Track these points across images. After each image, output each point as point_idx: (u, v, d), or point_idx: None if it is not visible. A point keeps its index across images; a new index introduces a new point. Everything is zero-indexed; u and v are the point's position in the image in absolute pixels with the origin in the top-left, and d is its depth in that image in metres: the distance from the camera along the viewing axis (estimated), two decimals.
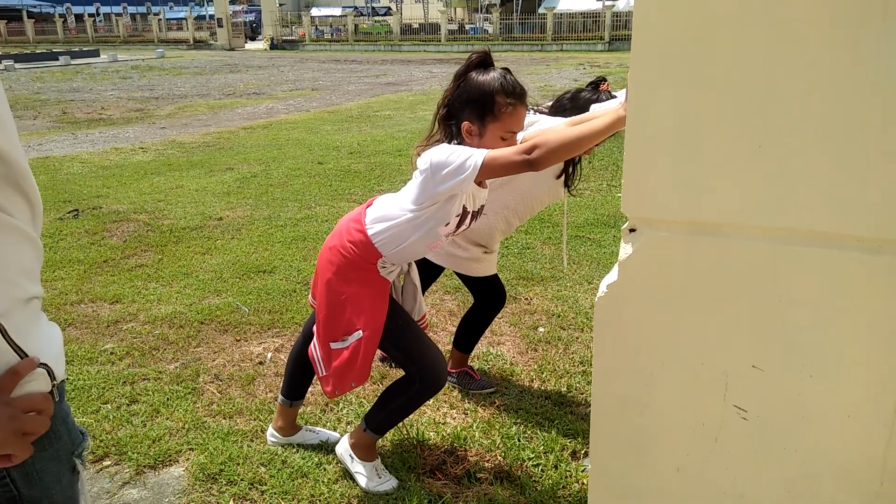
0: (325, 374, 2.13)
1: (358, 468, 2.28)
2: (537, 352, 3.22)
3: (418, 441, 2.50)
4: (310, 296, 2.32)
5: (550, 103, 2.63)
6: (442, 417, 2.68)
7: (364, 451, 2.29)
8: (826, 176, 0.97)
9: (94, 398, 2.82)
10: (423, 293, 2.49)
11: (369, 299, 2.08)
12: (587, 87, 2.58)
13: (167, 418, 2.68)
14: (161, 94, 15.49)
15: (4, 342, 0.91)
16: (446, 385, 2.73)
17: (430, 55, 28.98)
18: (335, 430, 2.58)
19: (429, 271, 2.69)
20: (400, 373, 2.29)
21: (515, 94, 1.97)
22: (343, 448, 2.34)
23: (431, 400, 2.54)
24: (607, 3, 31.54)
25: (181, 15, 45.18)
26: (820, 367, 1.05)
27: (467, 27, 38.44)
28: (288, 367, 2.47)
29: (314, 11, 43.11)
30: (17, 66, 24.32)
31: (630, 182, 1.10)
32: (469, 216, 2.05)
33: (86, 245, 4.80)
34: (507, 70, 2.02)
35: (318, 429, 2.56)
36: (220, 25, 36.41)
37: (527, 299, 3.81)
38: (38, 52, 31.27)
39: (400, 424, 2.45)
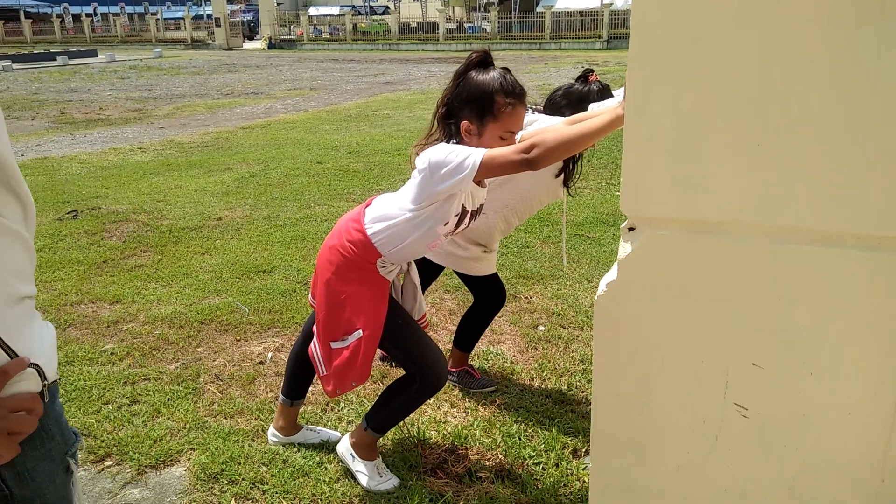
0: (325, 373, 2.13)
1: (359, 467, 2.29)
2: (537, 350, 3.22)
3: (419, 440, 2.50)
4: (309, 295, 2.32)
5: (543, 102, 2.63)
6: (443, 416, 2.68)
7: (365, 450, 2.29)
8: (825, 174, 0.97)
9: (95, 398, 2.82)
10: (423, 292, 2.49)
11: (369, 299, 2.09)
12: (577, 80, 2.59)
13: (168, 418, 2.69)
14: (159, 94, 15.47)
15: None
16: (447, 384, 2.73)
17: (428, 54, 28.96)
18: (336, 429, 2.59)
19: (428, 270, 2.69)
20: (400, 372, 2.30)
21: (515, 94, 1.97)
22: (344, 447, 2.34)
23: (432, 399, 2.54)
24: (605, 2, 31.51)
25: (179, 15, 45.12)
26: (820, 364, 1.05)
27: (466, 26, 38.41)
28: (288, 366, 2.47)
29: (312, 11, 43.07)
30: (15, 66, 24.28)
31: (629, 181, 1.10)
32: (468, 215, 2.05)
33: (85, 246, 4.80)
34: (506, 70, 2.02)
35: (319, 428, 2.56)
36: (218, 25, 36.36)
37: (527, 298, 3.81)
38: (35, 52, 31.22)
39: (401, 423, 2.45)
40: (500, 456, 2.43)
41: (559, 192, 2.69)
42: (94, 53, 30.34)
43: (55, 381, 1.03)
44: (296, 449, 2.46)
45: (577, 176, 2.62)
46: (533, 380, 2.96)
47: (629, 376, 1.19)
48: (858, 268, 0.99)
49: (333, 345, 2.10)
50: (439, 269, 2.77)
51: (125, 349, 3.26)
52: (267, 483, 2.30)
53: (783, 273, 1.03)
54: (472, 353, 2.99)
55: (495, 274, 2.79)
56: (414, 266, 2.29)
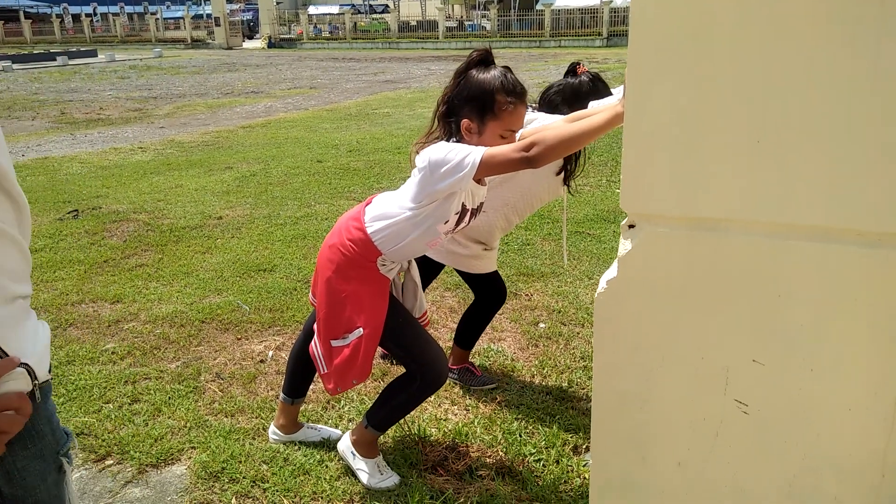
0: (326, 371, 2.14)
1: (360, 465, 2.29)
2: (538, 347, 3.22)
3: (420, 437, 2.50)
4: (310, 294, 2.32)
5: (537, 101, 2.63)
6: (443, 414, 2.68)
7: (366, 447, 2.30)
8: (825, 170, 0.97)
9: (96, 398, 2.82)
10: (424, 290, 2.49)
11: (369, 297, 2.09)
12: (566, 76, 2.59)
13: (169, 417, 2.69)
14: (159, 93, 15.47)
15: None
16: (447, 381, 2.73)
17: (428, 52, 28.94)
18: (337, 427, 2.59)
19: (429, 269, 2.69)
20: (401, 370, 2.30)
21: (516, 94, 1.97)
22: (345, 445, 2.35)
23: (433, 396, 2.54)
24: None
25: (178, 14, 45.07)
26: (820, 361, 1.05)
27: (466, 24, 38.38)
28: (289, 365, 2.47)
29: (312, 9, 43.05)
30: (15, 66, 24.29)
31: (628, 178, 1.10)
32: (468, 214, 2.05)
33: (86, 245, 4.80)
34: (507, 68, 2.03)
35: (319, 426, 2.56)
36: (218, 24, 36.35)
37: (527, 295, 3.81)
38: (35, 52, 31.22)
39: (401, 421, 2.46)
40: (501, 453, 2.43)
41: (560, 190, 2.68)
42: (93, 53, 30.33)
43: (47, 380, 1.04)
44: (296, 447, 2.47)
45: (580, 172, 2.62)
46: (533, 377, 2.96)
47: (629, 373, 1.19)
48: (858, 264, 0.99)
49: (334, 343, 2.11)
50: (440, 267, 2.77)
51: (126, 348, 3.27)
52: (268, 481, 2.30)
53: (783, 270, 1.03)
54: (473, 350, 2.99)
55: (496, 271, 2.79)
56: (414, 264, 2.29)
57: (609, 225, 4.97)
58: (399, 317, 2.15)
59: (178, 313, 3.64)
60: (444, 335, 3.35)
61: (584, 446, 2.46)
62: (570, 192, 2.68)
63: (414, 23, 37.79)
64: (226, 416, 2.69)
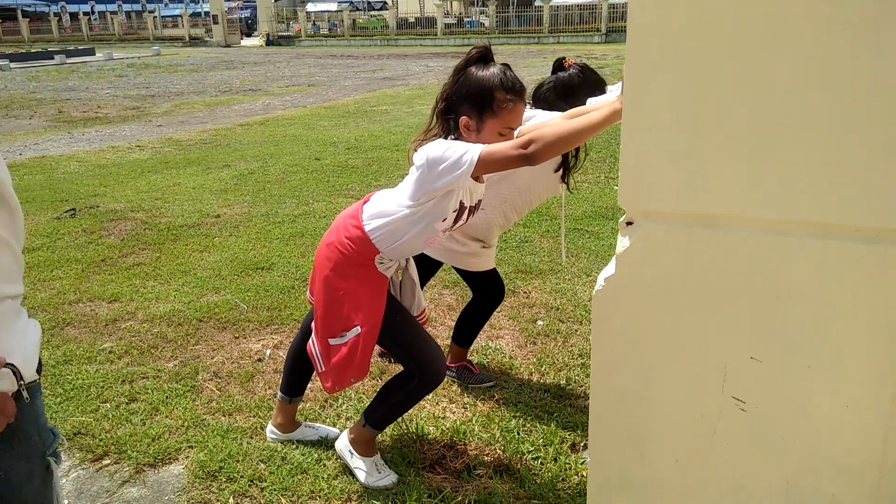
0: (324, 370, 2.13)
1: (357, 464, 2.28)
2: (536, 345, 3.22)
3: (418, 436, 2.50)
4: (308, 292, 2.32)
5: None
6: (441, 412, 2.68)
7: (364, 446, 2.29)
8: (823, 166, 0.97)
9: (93, 397, 2.81)
10: (422, 288, 2.49)
11: (367, 295, 2.08)
12: (554, 72, 2.59)
13: (166, 416, 2.68)
14: (157, 91, 15.45)
15: None
16: (445, 379, 2.73)
17: (426, 49, 28.91)
18: (335, 425, 2.58)
19: (427, 266, 2.69)
20: (399, 368, 2.29)
21: (515, 91, 1.97)
22: (342, 444, 2.34)
23: (431, 394, 2.54)
24: None
25: (176, 12, 44.98)
26: (818, 357, 1.05)
27: (464, 20, 38.35)
28: (287, 363, 2.47)
29: (310, 7, 42.96)
30: (13, 65, 24.26)
31: (627, 175, 1.09)
32: (466, 211, 2.04)
33: (83, 244, 4.79)
34: (506, 66, 2.02)
35: (317, 425, 2.56)
36: (216, 22, 36.33)
37: (525, 293, 3.81)
38: (33, 51, 31.18)
39: (399, 419, 2.45)
40: (499, 451, 2.43)
41: (558, 188, 2.68)
42: (91, 52, 30.28)
43: (34, 381, 1.03)
44: (294, 446, 2.46)
45: (580, 166, 2.61)
46: (531, 374, 2.96)
47: (628, 371, 1.19)
48: (857, 260, 0.98)
49: (332, 341, 2.10)
50: (438, 264, 2.76)
51: (123, 347, 3.26)
52: (265, 480, 2.29)
53: (782, 266, 1.03)
54: (471, 348, 2.98)
55: (494, 269, 2.78)
56: (412, 262, 2.29)
57: (607, 222, 4.97)
58: (397, 315, 2.15)
59: (176, 312, 3.63)
60: (442, 333, 3.34)
61: (582, 444, 2.45)
62: (568, 188, 2.67)
63: (412, 19, 37.78)
64: (223, 415, 2.68)
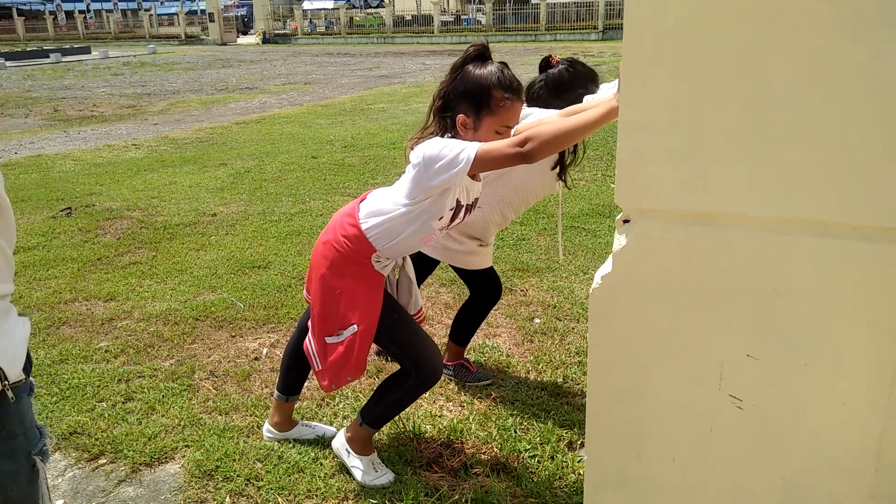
0: (320, 368, 2.13)
1: (354, 462, 2.28)
2: (533, 343, 3.22)
3: (415, 434, 2.49)
4: (304, 291, 2.31)
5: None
6: (438, 410, 2.67)
7: (360, 445, 2.29)
8: (821, 164, 0.96)
9: (89, 396, 2.80)
10: (419, 286, 2.48)
11: (364, 294, 2.08)
12: (542, 71, 2.59)
13: (163, 415, 2.67)
14: (153, 90, 15.41)
15: None
16: (442, 378, 2.73)
17: (423, 47, 28.87)
18: (331, 424, 2.58)
19: (424, 265, 2.68)
20: (396, 366, 2.29)
21: (512, 90, 1.96)
22: (339, 442, 2.34)
23: (428, 393, 2.53)
24: None
25: (172, 10, 44.87)
26: (814, 355, 1.04)
27: (461, 18, 38.31)
28: (283, 362, 2.46)
29: (306, 4, 42.87)
30: (8, 64, 24.17)
31: (623, 172, 1.09)
32: (463, 210, 2.04)
33: (79, 243, 4.78)
34: (504, 64, 2.02)
35: (314, 423, 2.55)
36: (212, 20, 36.23)
37: (522, 291, 3.81)
38: (28, 49, 31.08)
39: (396, 418, 2.45)
40: (496, 449, 2.42)
41: (555, 186, 2.67)
42: (87, 50, 30.17)
43: (21, 380, 1.02)
44: (291, 445, 2.45)
45: (577, 163, 2.61)
46: (529, 373, 2.95)
47: (624, 369, 1.18)
48: (854, 258, 0.98)
49: (328, 340, 2.10)
50: (435, 263, 2.75)
51: (119, 346, 3.25)
52: (262, 479, 2.29)
53: (779, 264, 1.02)
54: (468, 346, 2.98)
55: (491, 267, 2.78)
56: (409, 260, 2.28)
57: (604, 220, 4.97)
58: (394, 313, 2.14)
59: (172, 311, 3.62)
60: (439, 331, 3.34)
61: (578, 442, 2.45)
62: (567, 185, 2.67)
63: (409, 17, 37.71)
64: (220, 415, 2.68)
